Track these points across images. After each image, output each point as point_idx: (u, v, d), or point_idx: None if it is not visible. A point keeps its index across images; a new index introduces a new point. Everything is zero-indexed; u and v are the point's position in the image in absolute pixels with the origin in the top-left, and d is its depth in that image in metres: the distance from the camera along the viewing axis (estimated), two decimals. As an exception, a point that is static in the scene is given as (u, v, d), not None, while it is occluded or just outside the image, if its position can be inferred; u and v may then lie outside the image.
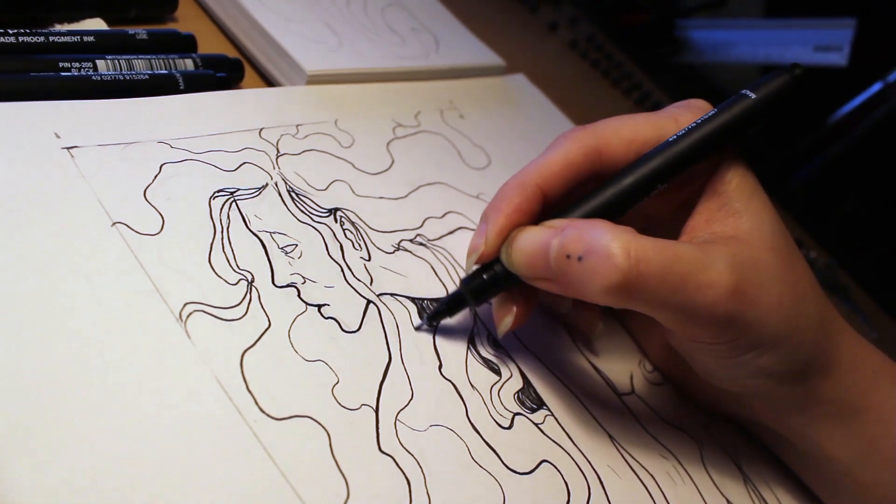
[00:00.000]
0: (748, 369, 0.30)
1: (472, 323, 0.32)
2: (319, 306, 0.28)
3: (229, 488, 0.22)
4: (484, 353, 0.32)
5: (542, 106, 0.53)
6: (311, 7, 0.43)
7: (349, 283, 0.30)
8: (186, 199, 0.28)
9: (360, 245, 0.32)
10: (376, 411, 0.26)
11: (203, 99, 0.33)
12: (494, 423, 0.29)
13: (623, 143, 0.31)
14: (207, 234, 0.28)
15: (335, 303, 0.29)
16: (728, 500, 0.34)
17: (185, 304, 0.25)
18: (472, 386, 0.30)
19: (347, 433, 0.25)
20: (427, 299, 0.32)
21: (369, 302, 0.30)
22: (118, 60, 0.33)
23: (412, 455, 0.26)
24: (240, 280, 0.27)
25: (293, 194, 0.32)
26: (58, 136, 0.27)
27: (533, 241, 0.28)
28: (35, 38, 0.31)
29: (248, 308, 0.26)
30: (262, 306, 0.27)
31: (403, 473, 0.25)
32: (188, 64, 0.35)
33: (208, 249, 0.27)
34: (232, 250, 0.28)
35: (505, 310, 0.31)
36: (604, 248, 0.26)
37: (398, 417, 0.27)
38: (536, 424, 0.30)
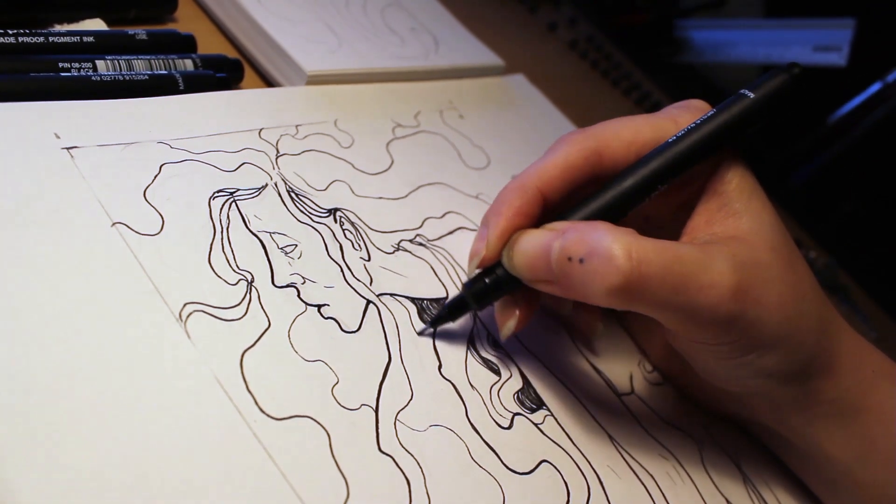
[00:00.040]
0: (750, 370, 0.30)
1: (472, 323, 0.32)
2: (319, 306, 0.28)
3: (229, 488, 0.22)
4: (483, 354, 0.32)
5: (541, 106, 0.53)
6: (310, 7, 0.43)
7: (349, 284, 0.30)
8: (186, 199, 0.28)
9: (359, 245, 0.32)
10: (376, 411, 0.26)
11: (203, 99, 0.33)
12: (494, 423, 0.29)
13: (623, 146, 0.31)
14: (207, 234, 0.28)
15: (335, 303, 0.29)
16: (728, 500, 0.34)
17: (184, 305, 0.25)
18: (471, 386, 0.30)
19: (347, 433, 0.25)
20: (427, 299, 0.32)
21: (369, 302, 0.30)
22: (118, 61, 0.33)
23: (412, 455, 0.26)
24: (239, 280, 0.27)
25: (293, 194, 0.32)
26: (57, 137, 0.27)
27: (534, 244, 0.28)
28: (35, 39, 0.31)
29: (247, 308, 0.26)
30: (262, 306, 0.27)
31: (403, 473, 0.25)
32: (188, 64, 0.35)
33: (208, 250, 0.27)
34: (232, 250, 0.28)
35: (508, 313, 0.31)
36: (605, 249, 0.26)
37: (398, 417, 0.27)
38: (536, 424, 0.30)
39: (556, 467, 0.29)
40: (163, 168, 0.29)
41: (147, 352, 0.23)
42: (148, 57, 0.34)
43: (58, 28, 0.33)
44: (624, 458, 0.32)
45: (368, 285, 0.31)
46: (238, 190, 0.30)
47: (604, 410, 0.33)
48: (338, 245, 0.31)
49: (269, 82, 0.40)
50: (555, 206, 0.31)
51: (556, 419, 0.31)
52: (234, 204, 0.30)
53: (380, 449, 0.25)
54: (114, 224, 0.26)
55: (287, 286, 0.28)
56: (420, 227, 0.35)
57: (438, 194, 0.38)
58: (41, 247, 0.24)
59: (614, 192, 0.30)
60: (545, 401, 0.32)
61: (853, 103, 0.83)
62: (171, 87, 0.33)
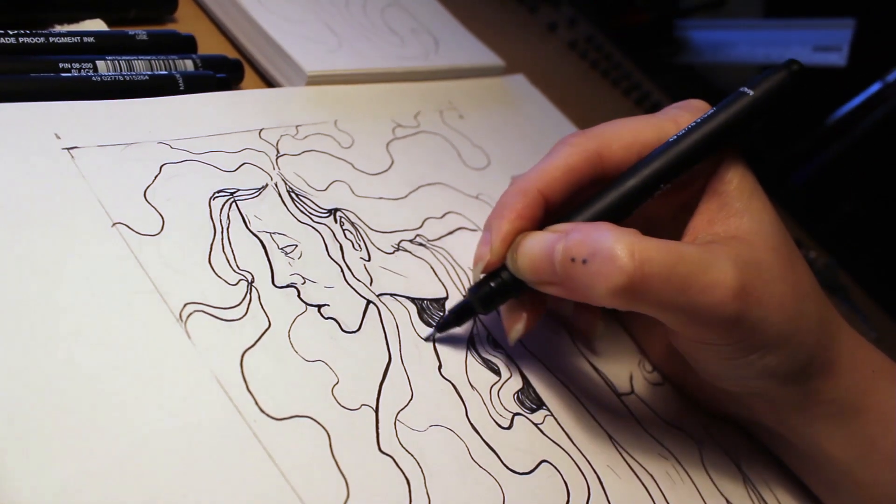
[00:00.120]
0: (752, 370, 0.30)
1: (472, 324, 0.32)
2: (319, 306, 0.28)
3: (229, 488, 0.22)
4: (483, 354, 0.32)
5: (541, 106, 0.53)
6: (310, 8, 0.43)
7: (349, 284, 0.30)
8: (186, 199, 0.28)
9: (359, 245, 0.32)
10: (376, 411, 0.26)
11: (203, 99, 0.33)
12: (494, 423, 0.29)
13: (623, 147, 0.31)
14: (207, 234, 0.28)
15: (335, 303, 0.29)
16: (727, 500, 0.34)
17: (185, 305, 0.25)
18: (471, 386, 0.30)
19: (347, 433, 0.25)
20: (427, 299, 0.32)
21: (369, 302, 0.30)
22: (118, 61, 0.33)
23: (412, 455, 0.26)
24: (240, 280, 0.27)
25: (293, 195, 0.32)
26: (58, 137, 0.27)
27: (538, 246, 0.28)
28: (35, 39, 0.31)
29: (248, 308, 0.26)
30: (262, 306, 0.27)
31: (403, 473, 0.25)
32: (188, 65, 0.35)
33: (208, 250, 0.27)
34: (232, 251, 0.28)
35: (515, 316, 0.30)
36: (608, 250, 0.26)
37: (398, 417, 0.27)
38: (536, 424, 0.30)
39: (556, 467, 0.29)
40: (163, 168, 0.29)
41: (147, 352, 0.23)
42: (148, 57, 0.34)
43: (58, 28, 0.33)
44: (624, 458, 0.32)
45: (368, 285, 0.31)
46: (238, 190, 0.30)
47: (604, 410, 0.33)
48: (338, 245, 0.31)
49: (269, 82, 0.40)
50: (557, 208, 0.31)
51: (556, 419, 0.31)
52: (234, 204, 0.30)
53: (380, 449, 0.25)
54: (114, 224, 0.26)
55: (287, 286, 0.28)
56: (420, 227, 0.35)
57: (438, 194, 0.38)
58: (41, 247, 0.24)
59: (617, 192, 0.30)
60: (545, 401, 0.32)
61: (853, 103, 0.83)
62: (172, 88, 0.33)
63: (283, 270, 0.29)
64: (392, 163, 0.38)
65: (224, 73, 0.36)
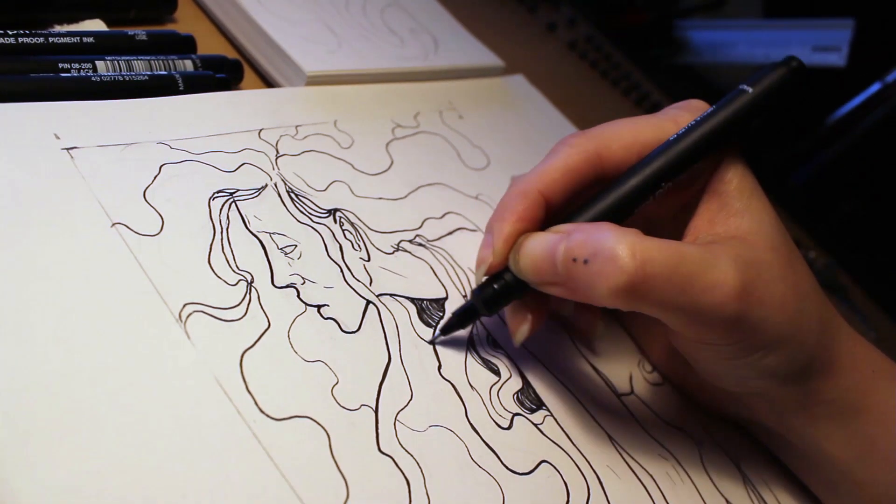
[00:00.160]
0: (752, 370, 0.30)
1: (472, 324, 0.32)
2: (319, 307, 0.28)
3: (229, 489, 0.22)
4: (483, 354, 0.32)
5: (541, 106, 0.53)
6: (310, 8, 0.43)
7: (348, 284, 0.30)
8: (186, 199, 0.28)
9: (359, 246, 0.32)
10: (376, 412, 0.26)
11: (202, 100, 0.33)
12: (494, 423, 0.29)
13: (623, 147, 0.31)
14: (207, 234, 0.28)
15: (335, 303, 0.29)
16: (727, 501, 0.34)
17: (184, 305, 0.25)
18: (471, 386, 0.30)
19: (347, 433, 0.25)
20: (426, 300, 0.32)
21: (369, 302, 0.30)
22: (118, 61, 0.33)
23: (412, 455, 0.26)
24: (239, 280, 0.27)
25: (292, 195, 0.32)
26: (57, 137, 0.27)
27: (539, 247, 0.28)
28: (35, 39, 0.31)
29: (247, 308, 0.26)
30: (262, 307, 0.27)
31: (403, 474, 0.25)
32: (188, 65, 0.35)
33: (208, 250, 0.27)
34: (231, 251, 0.28)
35: (520, 318, 0.31)
36: (609, 250, 0.26)
37: (398, 418, 0.27)
38: (536, 425, 0.30)
39: (555, 467, 0.29)
40: (163, 168, 0.29)
41: (147, 352, 0.23)
42: (148, 57, 0.34)
43: (58, 29, 0.33)
44: (623, 459, 0.32)
45: (368, 285, 0.31)
46: (238, 190, 0.30)
47: (603, 411, 0.33)
48: (337, 245, 0.31)
49: (268, 83, 0.40)
50: (558, 209, 0.31)
51: (555, 419, 0.31)
52: (233, 204, 0.30)
53: (379, 449, 0.25)
54: (113, 224, 0.26)
55: (287, 286, 0.28)
56: (420, 227, 0.35)
57: (438, 195, 0.38)
58: (41, 247, 0.24)
59: (618, 192, 0.30)
60: (545, 401, 0.32)
61: (852, 104, 0.83)
62: (171, 88, 0.33)
63: (283, 271, 0.29)
64: (392, 163, 0.38)
65: (224, 74, 0.36)
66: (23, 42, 0.31)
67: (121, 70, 0.32)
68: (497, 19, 0.66)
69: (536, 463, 0.29)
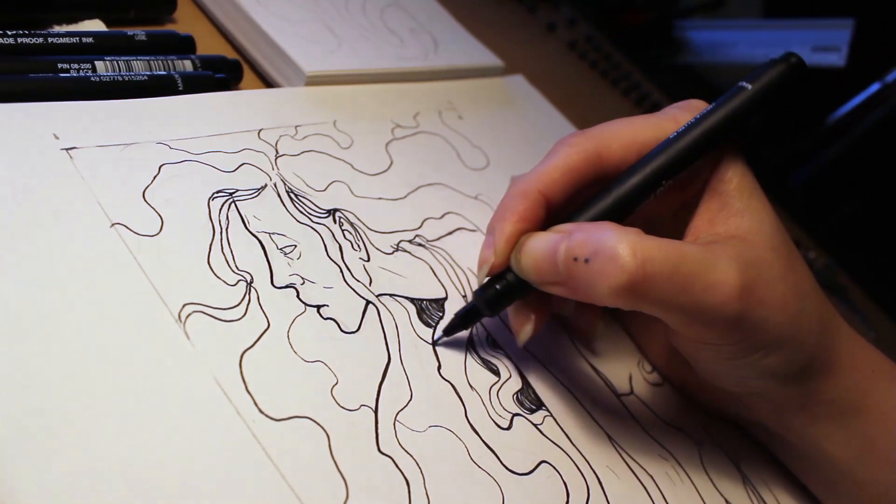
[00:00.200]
0: (754, 370, 0.30)
1: (474, 325, 0.32)
2: (318, 307, 0.28)
3: (228, 489, 0.22)
4: (483, 354, 0.32)
5: (540, 107, 0.53)
6: (309, 8, 0.43)
7: (348, 284, 0.30)
8: (185, 199, 0.28)
9: (358, 246, 0.32)
10: (375, 412, 0.26)
11: (202, 100, 0.33)
12: (493, 423, 0.29)
13: (623, 146, 0.31)
14: (206, 234, 0.28)
15: (334, 303, 0.29)
16: (727, 501, 0.34)
17: (184, 305, 0.25)
18: (470, 387, 0.30)
19: (346, 434, 0.25)
20: (426, 300, 0.32)
21: (368, 302, 0.30)
22: (117, 61, 0.33)
23: (411, 456, 0.26)
24: (239, 281, 0.27)
25: (292, 195, 0.32)
26: (56, 137, 0.27)
27: (541, 246, 0.28)
28: (34, 40, 0.31)
29: (247, 309, 0.26)
30: (262, 307, 0.27)
31: (402, 474, 0.25)
32: (187, 65, 0.35)
33: (207, 250, 0.27)
34: (231, 251, 0.28)
35: (523, 318, 0.31)
36: (610, 249, 0.26)
37: (397, 418, 0.27)
38: (535, 425, 0.30)
39: (555, 468, 0.29)
40: (162, 168, 0.29)
41: (146, 352, 0.23)
42: (147, 58, 0.34)
43: (57, 29, 0.33)
44: (623, 459, 0.32)
45: (368, 286, 0.31)
46: (237, 190, 0.30)
47: (603, 411, 0.33)
48: (337, 245, 0.31)
49: (268, 83, 0.40)
50: (558, 208, 0.31)
51: (555, 420, 0.31)
52: (233, 204, 0.30)
53: (379, 449, 0.25)
54: (113, 225, 0.26)
55: (286, 287, 0.28)
56: (419, 227, 0.35)
57: (438, 195, 0.38)
58: (40, 247, 0.24)
59: (619, 191, 0.29)
60: (544, 401, 0.32)
61: (852, 104, 0.83)
62: (171, 88, 0.33)
63: (283, 271, 0.29)
64: (391, 163, 0.38)
65: (223, 74, 0.36)
66: (22, 42, 0.31)
67: (120, 70, 0.32)
68: (497, 19, 0.66)
69: (536, 463, 0.29)
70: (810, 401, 0.32)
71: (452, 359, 0.30)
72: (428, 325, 0.31)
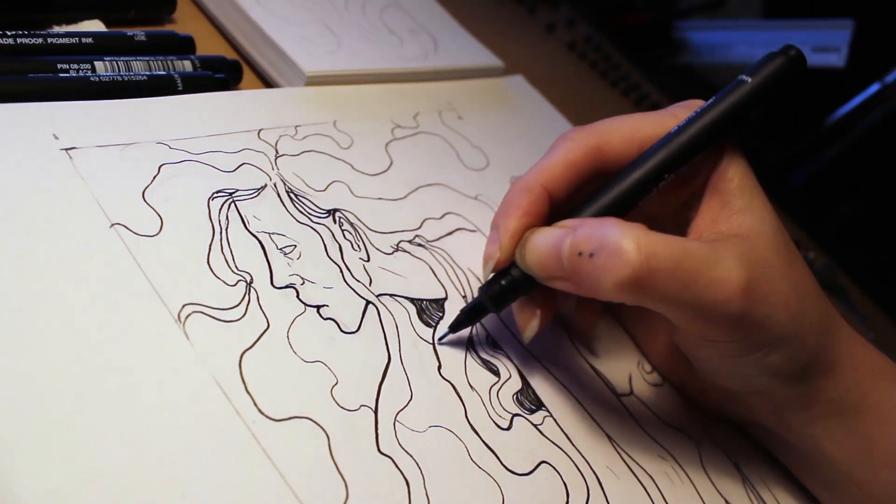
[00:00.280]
0: (756, 368, 0.30)
1: (479, 321, 0.32)
2: (318, 307, 0.28)
3: (228, 489, 0.22)
4: (483, 354, 0.32)
5: (540, 107, 0.53)
6: (309, 8, 0.43)
7: (348, 284, 0.30)
8: (185, 200, 0.28)
9: (358, 246, 0.32)
10: (375, 412, 0.26)
11: (202, 100, 0.33)
12: (493, 424, 0.29)
13: (624, 140, 0.31)
14: (206, 235, 0.28)
15: (334, 303, 0.29)
16: (726, 501, 0.34)
17: (183, 306, 0.25)
18: (471, 387, 0.30)
19: (346, 434, 0.25)
20: (426, 300, 0.32)
21: (368, 303, 0.30)
22: (116, 62, 0.33)
23: (411, 456, 0.26)
24: (238, 281, 0.27)
25: (292, 195, 0.32)
26: (56, 138, 0.27)
27: (545, 241, 0.28)
28: (33, 40, 0.31)
29: (246, 309, 0.26)
30: (261, 307, 0.27)
31: (402, 474, 0.25)
32: (187, 65, 0.35)
33: (207, 250, 0.27)
34: (231, 251, 0.28)
35: (528, 313, 0.31)
36: (614, 243, 0.26)
37: (397, 418, 0.27)
38: (535, 425, 0.30)
39: (555, 468, 0.29)
40: (162, 169, 0.29)
41: (146, 353, 0.23)
42: (147, 58, 0.34)
43: (56, 29, 0.33)
44: (623, 459, 0.32)
45: (368, 286, 0.31)
46: (237, 190, 0.30)
47: (603, 411, 0.33)
48: (337, 246, 0.31)
49: (267, 83, 0.40)
50: (561, 203, 0.31)
51: (555, 420, 0.31)
52: (233, 204, 0.30)
53: (379, 450, 0.25)
54: (112, 225, 0.26)
55: (286, 287, 0.28)
56: (419, 227, 0.35)
57: (437, 195, 0.38)
58: (40, 248, 0.24)
59: (621, 185, 0.29)
60: (544, 402, 0.32)
61: (852, 104, 0.83)
62: (170, 88, 0.33)
63: (282, 271, 0.28)
64: (391, 163, 0.38)
65: (223, 74, 0.36)
66: (21, 42, 0.31)
67: (120, 70, 0.32)
68: (496, 20, 0.66)
69: (536, 463, 0.29)
70: (810, 400, 0.32)
71: (452, 359, 0.30)
72: (428, 326, 0.31)
